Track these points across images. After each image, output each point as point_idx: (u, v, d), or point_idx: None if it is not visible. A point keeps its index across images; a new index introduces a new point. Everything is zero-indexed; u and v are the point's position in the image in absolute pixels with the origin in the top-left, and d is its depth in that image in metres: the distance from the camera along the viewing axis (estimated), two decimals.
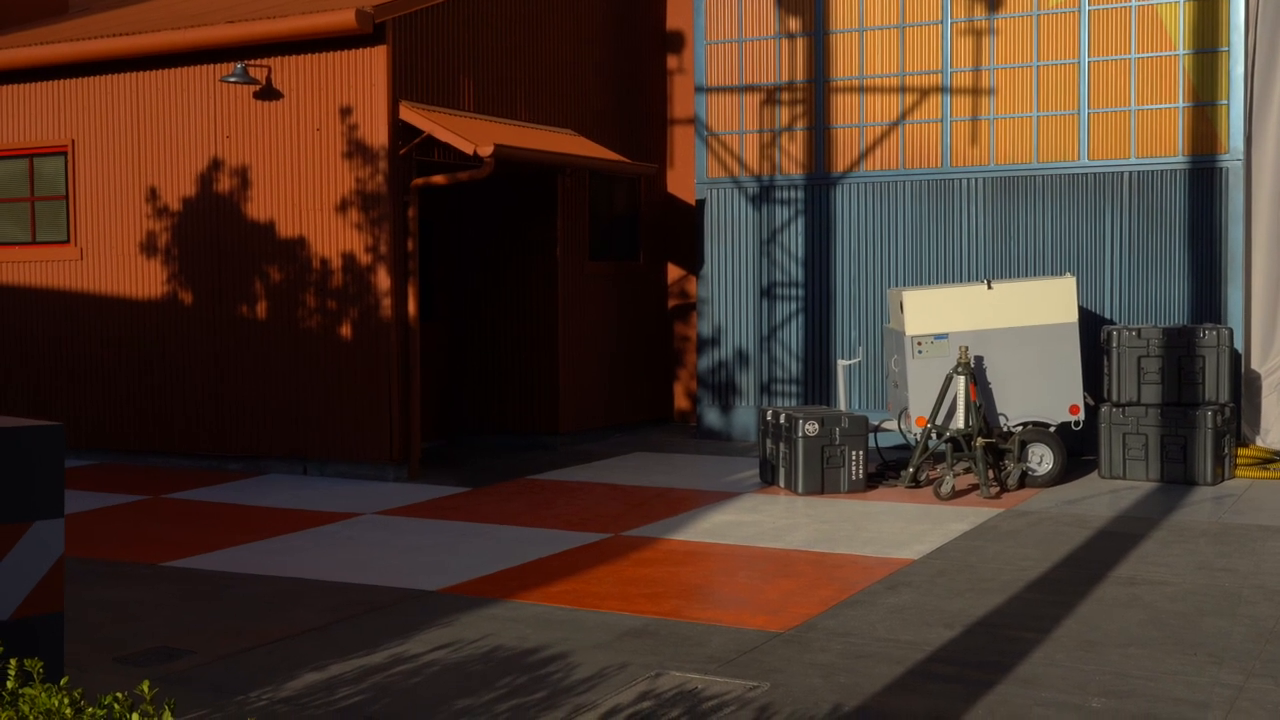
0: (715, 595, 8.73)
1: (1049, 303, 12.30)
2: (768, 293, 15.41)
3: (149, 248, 13.97)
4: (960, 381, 11.89)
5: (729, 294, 15.62)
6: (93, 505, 11.84)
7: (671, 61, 17.17)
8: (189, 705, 6.22)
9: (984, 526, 10.51)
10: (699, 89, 15.74)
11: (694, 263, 16.73)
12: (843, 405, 13.50)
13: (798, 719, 6.03)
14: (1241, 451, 12.91)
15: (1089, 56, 13.94)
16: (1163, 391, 12.38)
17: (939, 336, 12.27)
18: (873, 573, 8.97)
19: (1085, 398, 12.43)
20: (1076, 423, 12.44)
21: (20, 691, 3.90)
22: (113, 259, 14.19)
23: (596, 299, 15.79)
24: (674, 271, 17.20)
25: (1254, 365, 13.49)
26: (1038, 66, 14.15)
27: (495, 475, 13.33)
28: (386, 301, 12.85)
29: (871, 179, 14.89)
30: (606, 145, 15.86)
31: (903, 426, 12.55)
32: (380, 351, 12.91)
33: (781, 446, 12.22)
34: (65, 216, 14.49)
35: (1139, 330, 12.49)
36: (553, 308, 15.10)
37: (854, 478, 12.05)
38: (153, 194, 13.93)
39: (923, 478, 12.42)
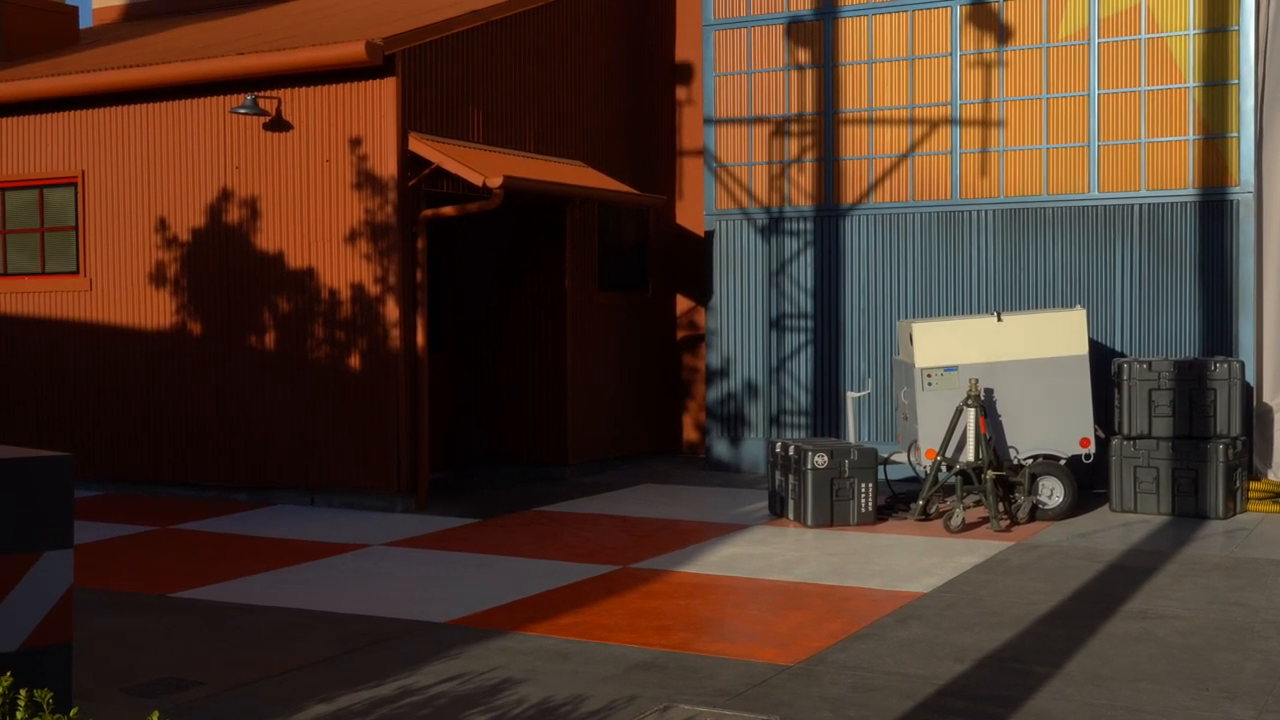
0: (724, 628, 8.69)
1: (1059, 335, 12.28)
2: (777, 324, 15.41)
3: (158, 278, 14.00)
4: (970, 414, 11.86)
5: (738, 325, 15.62)
6: (101, 536, 11.83)
7: (681, 93, 17.22)
8: None
9: (994, 560, 10.47)
10: (708, 120, 15.78)
11: (703, 294, 16.73)
12: (852, 437, 13.47)
13: None
14: (1253, 485, 12.87)
15: (1099, 89, 13.96)
16: (1174, 424, 12.34)
17: (949, 369, 12.25)
18: (882, 606, 8.93)
19: (1096, 430, 12.39)
20: (1087, 455, 12.40)
21: None
22: (122, 290, 14.22)
23: (605, 330, 15.79)
24: (683, 303, 17.21)
25: (1265, 398, 13.45)
26: (1047, 99, 14.17)
27: (503, 506, 13.31)
28: (395, 332, 12.85)
29: (881, 211, 14.91)
30: (615, 176, 15.89)
31: (912, 459, 12.52)
32: (389, 382, 12.91)
33: (790, 479, 12.19)
34: (75, 247, 14.52)
35: (1150, 363, 12.46)
36: (561, 339, 15.10)
37: (863, 510, 12.02)
38: (162, 225, 13.97)
39: (932, 510, 12.38)
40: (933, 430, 12.19)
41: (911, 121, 14.78)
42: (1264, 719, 6.43)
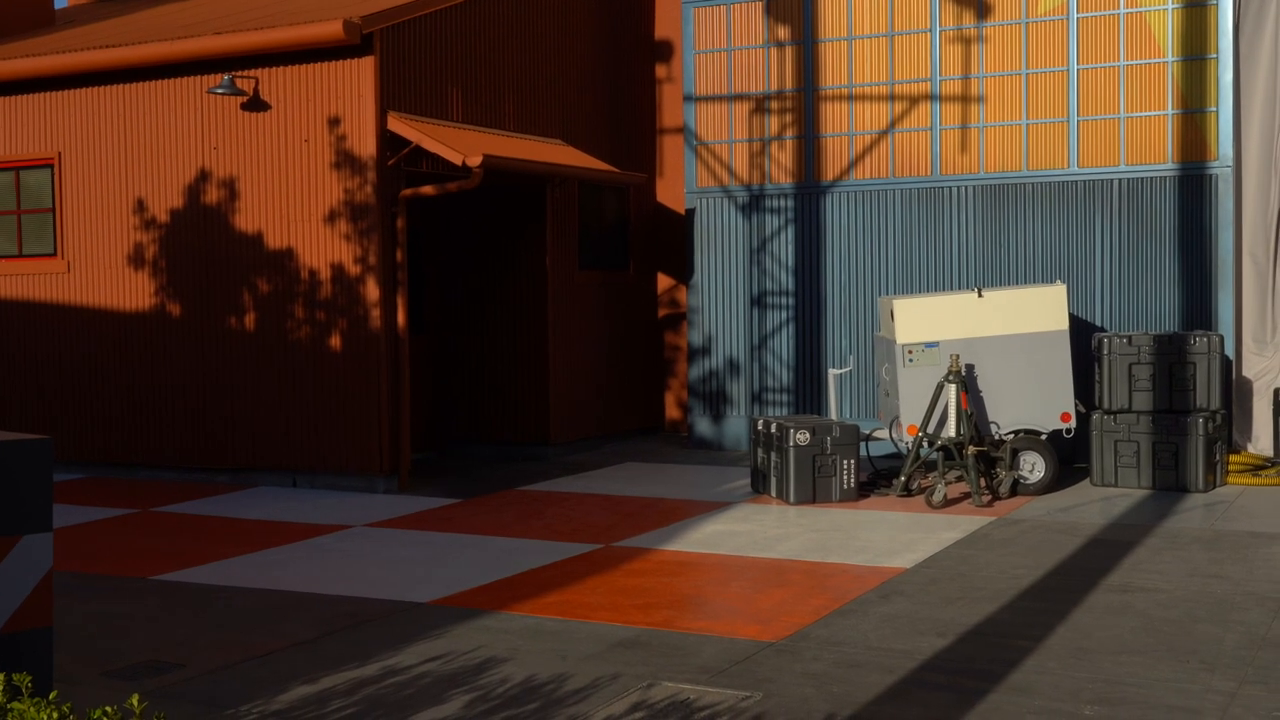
0: (707, 605, 8.70)
1: (1040, 310, 12.30)
2: (758, 302, 15.41)
3: (136, 260, 13.93)
4: (951, 390, 11.88)
5: (719, 303, 15.61)
6: (81, 519, 11.79)
7: (660, 71, 17.17)
8: (179, 719, 6.19)
9: (976, 535, 10.50)
10: (688, 98, 15.74)
11: (684, 272, 16.72)
12: (834, 414, 13.48)
13: None
14: (1233, 458, 12.92)
15: (1078, 64, 13.96)
16: (1154, 398, 12.38)
17: (930, 345, 12.26)
18: (865, 582, 8.95)
19: (1076, 405, 12.42)
20: (1068, 430, 12.43)
21: (9, 706, 3.87)
22: (100, 271, 14.15)
23: (586, 309, 15.77)
24: (664, 281, 17.19)
25: (1245, 372, 13.50)
26: (1027, 74, 14.17)
27: (486, 486, 13.30)
28: (375, 312, 12.82)
29: (861, 187, 14.90)
30: (596, 155, 15.85)
31: (894, 435, 12.54)
32: (369, 363, 12.88)
33: (773, 456, 12.21)
34: (52, 229, 14.44)
35: (1130, 337, 12.49)
36: (542, 318, 15.07)
37: (845, 487, 12.03)
38: (140, 206, 13.90)
39: (914, 486, 12.40)
40: (914, 406, 12.21)
41: (891, 98, 14.77)
42: (1244, 690, 6.47)
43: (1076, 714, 6.15)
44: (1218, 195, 13.41)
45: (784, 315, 15.27)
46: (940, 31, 14.52)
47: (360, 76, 12.79)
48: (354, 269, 12.87)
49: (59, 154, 14.33)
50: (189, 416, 13.74)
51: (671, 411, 17.20)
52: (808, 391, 15.19)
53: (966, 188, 14.42)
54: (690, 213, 15.77)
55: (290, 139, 13.13)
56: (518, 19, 14.91)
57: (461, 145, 12.88)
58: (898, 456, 13.22)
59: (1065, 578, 8.95)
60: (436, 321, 15.59)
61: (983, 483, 11.96)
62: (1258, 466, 12.94)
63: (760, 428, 12.55)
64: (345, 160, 12.86)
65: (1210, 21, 13.44)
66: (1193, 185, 13.53)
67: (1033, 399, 12.30)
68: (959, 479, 12.52)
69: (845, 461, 12.04)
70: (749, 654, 7.21)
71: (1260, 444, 13.44)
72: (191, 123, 13.60)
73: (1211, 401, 12.34)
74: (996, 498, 12.00)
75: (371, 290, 12.82)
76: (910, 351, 12.27)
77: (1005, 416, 12.31)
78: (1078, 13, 13.94)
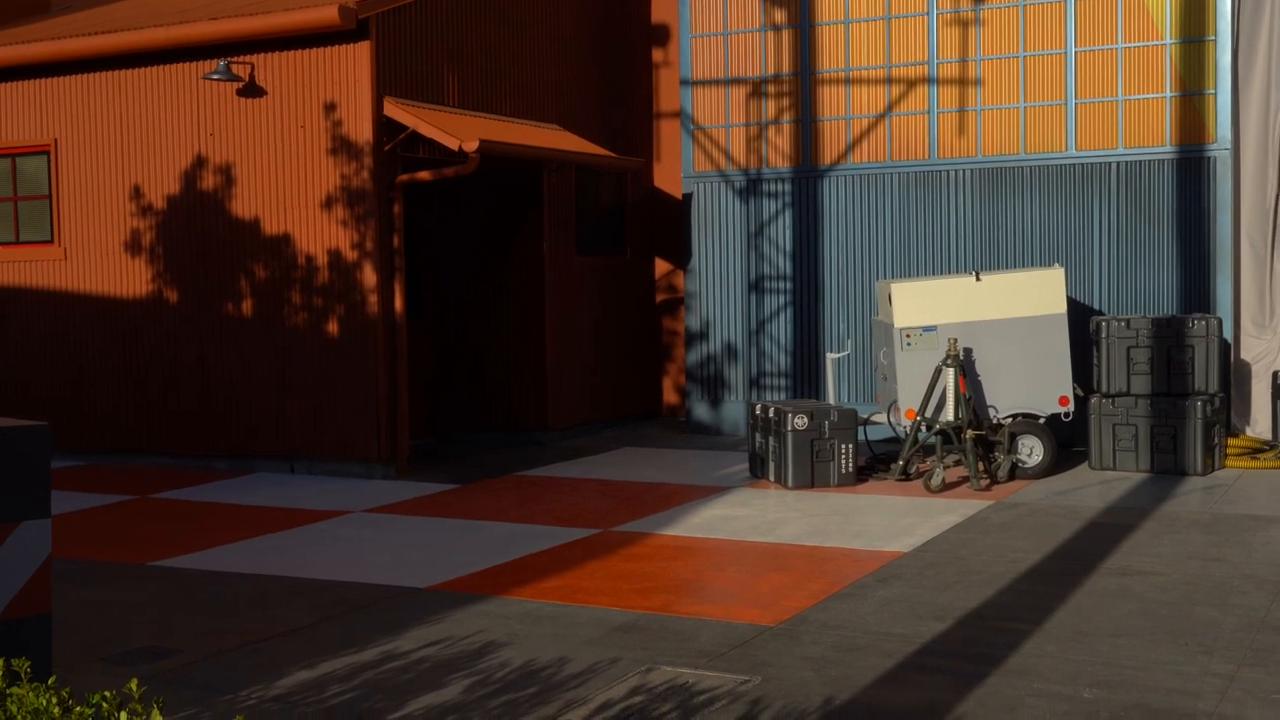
0: (706, 590, 8.70)
1: (1038, 294, 12.29)
2: (756, 286, 15.39)
3: (133, 247, 13.91)
4: (949, 373, 11.87)
5: (717, 288, 15.59)
6: (80, 506, 11.79)
7: (657, 55, 17.13)
8: (178, 704, 6.19)
9: (974, 519, 10.50)
10: (684, 82, 15.71)
11: (682, 257, 16.70)
12: (831, 398, 13.48)
13: (789, 712, 6.01)
14: (1231, 441, 12.92)
15: (1076, 47, 13.93)
16: (1152, 382, 12.37)
17: (928, 329, 12.25)
18: (863, 566, 8.95)
19: (1075, 389, 12.41)
20: (1066, 414, 12.43)
21: (8, 691, 3.87)
22: (97, 258, 14.13)
23: (584, 294, 15.76)
24: (662, 266, 17.17)
25: (1243, 355, 13.50)
26: (1024, 57, 14.14)
27: (484, 472, 13.30)
28: (373, 298, 12.80)
29: (858, 171, 14.88)
30: (592, 140, 15.82)
31: (892, 419, 12.53)
32: (367, 348, 12.87)
33: (771, 440, 12.20)
34: (49, 216, 14.41)
35: (1128, 321, 12.48)
36: (540, 303, 15.05)
37: (844, 471, 12.03)
38: (136, 193, 13.87)
39: (912, 470, 12.40)
40: (912, 390, 12.21)
41: (889, 81, 14.74)
42: (1242, 673, 6.47)
43: (1075, 697, 6.16)
44: (1216, 178, 13.39)
45: (782, 299, 15.26)
46: (937, 14, 14.48)
47: (356, 62, 12.76)
48: (351, 255, 12.85)
49: (55, 140, 14.30)
50: (186, 403, 13.72)
51: (669, 396, 17.20)
52: (806, 376, 15.18)
53: (964, 171, 14.40)
54: (687, 197, 15.75)
55: (286, 125, 13.10)
56: (514, 4, 14.86)
57: (458, 130, 12.85)
58: (896, 441, 13.22)
59: (1064, 561, 8.96)
60: (434, 308, 15.57)
61: (981, 467, 11.96)
62: (1256, 449, 12.94)
63: (758, 412, 12.54)
64: (342, 146, 12.83)
65: (1209, 3, 13.40)
66: (1191, 168, 13.51)
67: (1031, 383, 12.29)
68: (957, 463, 12.52)
69: (843, 446, 12.03)
70: (747, 638, 7.22)
71: (1259, 427, 13.44)
72: (187, 109, 13.57)
73: (1210, 385, 12.34)
74: (995, 481, 12.01)
75: (369, 276, 12.80)
76: (908, 335, 12.26)
77: (1003, 400, 12.31)
78: None
